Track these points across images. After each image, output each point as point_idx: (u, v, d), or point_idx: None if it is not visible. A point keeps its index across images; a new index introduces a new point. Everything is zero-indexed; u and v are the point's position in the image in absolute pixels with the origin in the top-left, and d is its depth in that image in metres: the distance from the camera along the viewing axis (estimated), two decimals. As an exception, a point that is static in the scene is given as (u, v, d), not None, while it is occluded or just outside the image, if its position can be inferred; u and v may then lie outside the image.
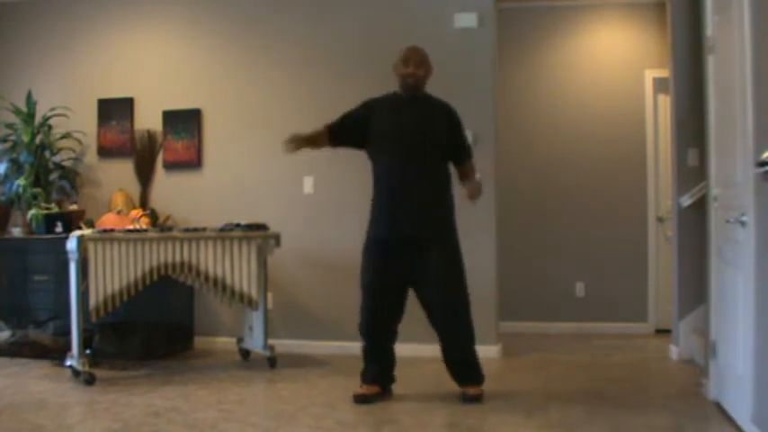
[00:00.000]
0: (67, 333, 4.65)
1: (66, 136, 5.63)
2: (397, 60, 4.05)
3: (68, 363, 4.51)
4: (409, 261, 3.92)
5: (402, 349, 4.21)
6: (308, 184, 5.41)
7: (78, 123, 5.68)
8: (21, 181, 5.40)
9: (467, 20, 5.17)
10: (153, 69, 5.70)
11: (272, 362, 4.83)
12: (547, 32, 6.39)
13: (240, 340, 5.22)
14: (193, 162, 5.60)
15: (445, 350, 4.01)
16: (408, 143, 3.95)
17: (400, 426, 3.47)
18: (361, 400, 3.91)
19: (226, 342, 5.44)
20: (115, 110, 5.72)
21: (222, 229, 4.73)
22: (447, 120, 4.05)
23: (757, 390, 3.03)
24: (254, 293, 4.73)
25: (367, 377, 4.03)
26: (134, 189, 5.64)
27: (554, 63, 6.38)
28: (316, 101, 5.41)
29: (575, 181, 6.30)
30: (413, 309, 4.05)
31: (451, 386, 4.01)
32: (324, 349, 5.29)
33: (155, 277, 4.53)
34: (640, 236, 6.23)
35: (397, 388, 4.12)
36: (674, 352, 5.04)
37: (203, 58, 5.62)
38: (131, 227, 4.82)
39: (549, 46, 6.40)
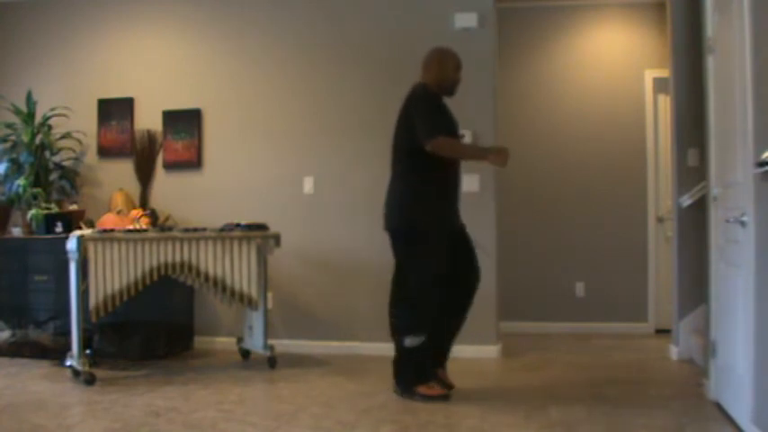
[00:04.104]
0: (67, 333, 4.65)
1: (66, 136, 5.63)
2: (444, 62, 4.05)
3: (68, 363, 4.51)
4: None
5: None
6: (308, 184, 5.41)
7: (78, 123, 5.68)
8: (21, 181, 5.40)
9: (467, 20, 5.17)
10: (153, 69, 5.70)
11: (272, 362, 4.83)
12: (547, 32, 6.40)
13: (240, 340, 5.22)
14: (193, 162, 5.61)
15: None
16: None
17: (400, 426, 3.47)
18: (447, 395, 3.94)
19: (226, 342, 5.44)
20: (115, 110, 5.72)
21: (222, 229, 4.74)
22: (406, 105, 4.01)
23: (757, 390, 3.03)
24: (254, 293, 4.73)
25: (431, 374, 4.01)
26: (134, 189, 5.64)
27: (554, 63, 6.39)
28: (316, 100, 5.43)
29: (574, 181, 6.31)
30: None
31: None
32: (324, 349, 5.29)
33: (155, 277, 4.53)
34: (640, 236, 6.24)
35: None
36: (674, 352, 5.04)
37: (203, 58, 5.62)
38: (131, 227, 4.82)
39: (549, 46, 6.40)
